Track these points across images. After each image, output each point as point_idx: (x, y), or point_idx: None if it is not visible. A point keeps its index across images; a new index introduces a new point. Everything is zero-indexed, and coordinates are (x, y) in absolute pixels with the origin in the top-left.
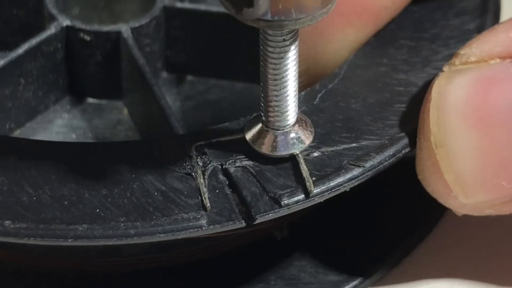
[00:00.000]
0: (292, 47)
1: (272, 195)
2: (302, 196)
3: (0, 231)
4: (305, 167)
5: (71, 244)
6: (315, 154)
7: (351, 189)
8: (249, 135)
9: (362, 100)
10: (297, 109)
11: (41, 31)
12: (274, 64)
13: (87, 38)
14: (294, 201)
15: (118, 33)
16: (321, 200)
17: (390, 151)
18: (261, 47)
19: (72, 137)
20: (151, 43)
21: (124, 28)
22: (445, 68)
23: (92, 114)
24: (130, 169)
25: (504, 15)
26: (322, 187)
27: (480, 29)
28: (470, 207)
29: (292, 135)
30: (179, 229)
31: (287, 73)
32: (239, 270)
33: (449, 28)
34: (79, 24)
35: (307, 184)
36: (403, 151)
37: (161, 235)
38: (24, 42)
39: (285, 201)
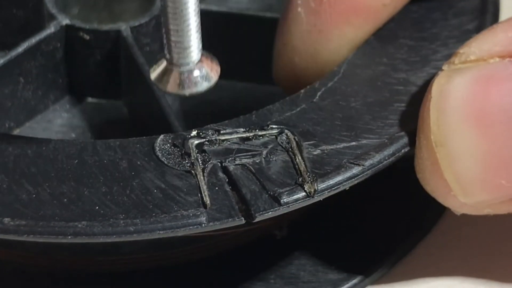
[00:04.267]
0: None
1: (271, 193)
2: (301, 195)
3: (0, 228)
4: (305, 165)
5: (71, 241)
6: (315, 152)
7: (351, 187)
8: (153, 75)
9: (361, 99)
10: (200, 45)
11: (40, 30)
12: None
13: (87, 37)
14: (293, 200)
15: (118, 32)
16: (321, 198)
17: (390, 150)
18: None
19: (72, 137)
20: (150, 42)
21: (124, 27)
22: (445, 67)
23: (91, 114)
24: (130, 166)
25: (503, 16)
26: (322, 186)
27: (479, 30)
28: (469, 207)
29: (197, 72)
30: (179, 226)
31: (187, 5)
32: (238, 269)
33: (448, 28)
34: (78, 23)
35: (307, 182)
36: (402, 150)
37: (160, 232)
38: (24, 41)
39: (285, 200)
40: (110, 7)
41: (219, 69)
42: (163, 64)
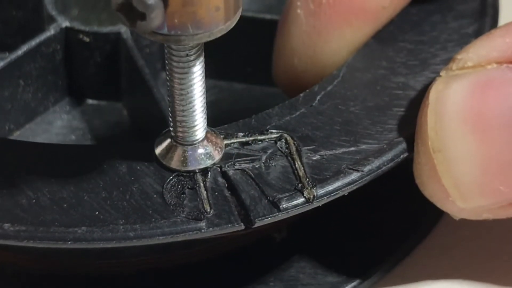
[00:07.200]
0: (197, 62)
1: (271, 198)
2: (300, 200)
3: (0, 233)
4: (304, 170)
5: (70, 247)
6: (314, 157)
7: (350, 192)
8: (158, 150)
9: (361, 103)
10: (205, 124)
11: (40, 32)
12: (179, 79)
13: (87, 39)
14: (292, 205)
15: (118, 34)
16: (320, 204)
17: (389, 155)
18: (166, 61)
19: (72, 139)
20: (150, 44)
21: (124, 29)
22: (442, 73)
23: (91, 115)
24: (129, 171)
25: (502, 19)
26: (321, 191)
27: (478, 33)
28: (467, 212)
29: (201, 150)
30: (178, 231)
31: (193, 88)
32: (238, 272)
33: (447, 31)
34: (78, 25)
35: (306, 188)
36: (401, 156)
37: (160, 237)
38: (24, 44)
39: (284, 205)
40: (110, 8)
41: (223, 146)
42: (167, 141)
